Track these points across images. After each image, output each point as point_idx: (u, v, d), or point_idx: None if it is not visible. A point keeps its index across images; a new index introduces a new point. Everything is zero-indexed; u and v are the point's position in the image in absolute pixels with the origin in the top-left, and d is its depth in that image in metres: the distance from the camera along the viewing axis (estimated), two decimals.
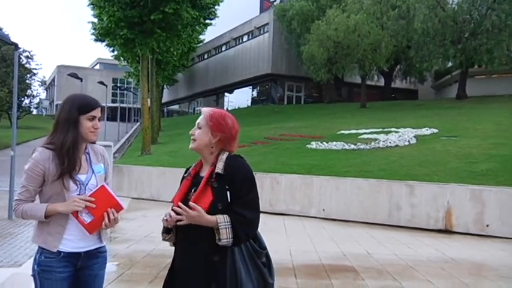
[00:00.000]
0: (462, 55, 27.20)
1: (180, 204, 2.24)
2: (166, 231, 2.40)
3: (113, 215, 2.45)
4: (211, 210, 2.22)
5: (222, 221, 2.20)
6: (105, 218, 2.44)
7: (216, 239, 2.21)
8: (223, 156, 2.37)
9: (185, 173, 2.51)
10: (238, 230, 2.20)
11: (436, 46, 27.45)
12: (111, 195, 2.47)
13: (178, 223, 2.25)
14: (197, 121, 2.42)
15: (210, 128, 2.37)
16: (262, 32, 42.50)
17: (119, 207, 2.49)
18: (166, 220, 2.30)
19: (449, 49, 27.12)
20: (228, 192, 2.28)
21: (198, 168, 2.46)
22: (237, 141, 2.46)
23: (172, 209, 2.29)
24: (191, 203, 2.22)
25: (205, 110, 2.43)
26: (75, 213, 2.40)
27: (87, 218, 2.42)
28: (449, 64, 31.99)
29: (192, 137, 2.41)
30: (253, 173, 2.39)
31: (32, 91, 54.93)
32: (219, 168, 2.32)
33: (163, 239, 2.44)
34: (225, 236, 2.18)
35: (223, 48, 49.03)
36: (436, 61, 28.94)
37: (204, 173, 2.38)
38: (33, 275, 2.49)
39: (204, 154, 2.42)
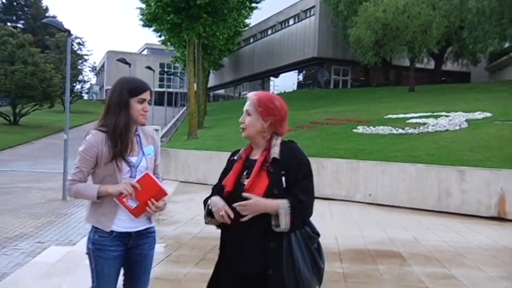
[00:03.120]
0: None
1: (238, 204, 2.19)
2: (209, 214, 2.37)
3: (154, 204, 2.50)
4: (266, 195, 2.21)
5: (283, 206, 2.18)
6: (149, 206, 2.51)
7: (272, 224, 2.20)
8: (277, 141, 2.35)
9: (232, 156, 2.49)
10: (296, 216, 2.19)
11: (492, 26, 26.15)
12: (155, 181, 2.53)
13: (242, 220, 2.20)
14: (245, 108, 2.39)
15: (260, 113, 2.34)
16: (308, 15, 41.94)
17: (162, 193, 2.55)
18: (223, 216, 2.25)
19: (507, 28, 25.74)
20: (284, 178, 2.26)
21: (248, 151, 2.44)
22: (287, 122, 2.44)
23: (233, 206, 2.22)
24: (245, 194, 2.19)
25: (252, 96, 2.40)
26: (121, 199, 2.48)
27: (132, 204, 2.50)
28: (506, 44, 30.51)
29: (241, 125, 2.38)
30: None
31: (83, 76, 56.92)
32: (275, 153, 2.30)
33: (207, 223, 2.43)
34: (284, 223, 2.18)
35: (269, 32, 48.76)
36: (491, 42, 27.57)
37: (256, 156, 2.36)
38: (88, 253, 2.60)
39: (256, 140, 2.40)
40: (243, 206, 2.19)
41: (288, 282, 2.22)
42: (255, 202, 2.19)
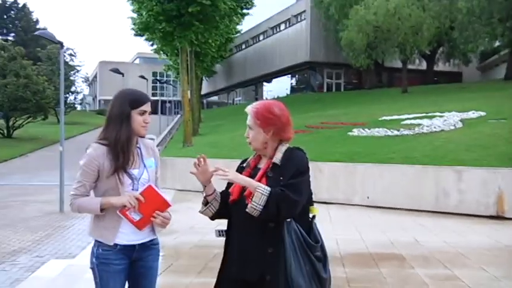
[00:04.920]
0: (511, 33, 26.01)
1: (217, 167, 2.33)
2: (204, 203, 2.44)
3: (160, 215, 2.50)
4: None
5: (262, 187, 2.19)
6: (156, 219, 2.50)
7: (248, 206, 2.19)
8: (283, 148, 2.37)
9: (242, 163, 2.52)
10: (271, 201, 2.16)
11: (482, 25, 26.35)
12: (158, 193, 2.51)
13: (221, 178, 2.28)
14: (247, 122, 2.41)
15: (260, 125, 2.35)
16: (299, 19, 42.10)
17: (166, 205, 2.54)
18: (198, 165, 2.40)
19: (496, 27, 25.95)
20: (282, 183, 2.25)
21: (257, 160, 2.46)
22: (291, 126, 2.42)
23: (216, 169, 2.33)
24: (216, 167, 2.31)
25: (249, 109, 2.40)
26: (124, 213, 2.46)
27: (136, 216, 2.48)
28: (497, 43, 30.72)
29: (247, 140, 2.42)
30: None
31: (75, 87, 56.75)
32: (277, 159, 2.32)
33: (200, 211, 2.46)
34: (257, 200, 2.16)
35: (261, 37, 48.89)
36: (482, 41, 27.82)
37: (262, 165, 2.39)
38: (92, 268, 2.56)
39: (263, 151, 2.41)
40: (224, 170, 2.26)
41: None
42: (236, 173, 2.27)
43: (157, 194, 2.50)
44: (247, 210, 2.19)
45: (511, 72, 28.47)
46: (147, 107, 2.54)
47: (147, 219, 2.50)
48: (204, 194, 2.43)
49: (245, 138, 2.43)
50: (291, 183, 2.24)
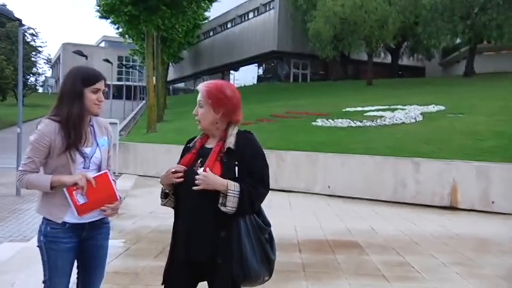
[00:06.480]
0: (471, 31, 26.82)
1: (200, 171, 2.24)
2: (164, 196, 2.42)
3: (110, 208, 2.50)
4: None
5: (232, 188, 2.21)
6: (105, 211, 2.49)
7: (219, 202, 2.21)
8: (234, 131, 2.35)
9: (188, 143, 2.49)
10: (244, 201, 2.21)
11: (444, 22, 27.07)
12: (111, 183, 2.48)
13: (194, 188, 2.22)
14: (197, 99, 2.38)
15: (211, 105, 2.33)
16: (267, 8, 42.07)
17: (114, 198, 2.49)
18: (175, 173, 2.30)
19: (457, 25, 26.72)
20: (236, 168, 2.27)
21: (204, 140, 2.43)
22: (241, 109, 2.42)
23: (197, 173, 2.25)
24: (202, 172, 2.23)
25: (201, 88, 2.38)
26: (71, 191, 2.41)
27: (80, 199, 2.42)
28: (458, 40, 31.61)
29: (196, 118, 2.39)
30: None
31: (37, 69, 55.17)
32: (231, 143, 2.30)
33: (162, 204, 2.45)
34: (230, 204, 2.19)
35: (229, 25, 48.64)
36: (444, 37, 28.58)
37: (211, 145, 2.37)
38: (39, 246, 2.51)
39: (211, 131, 2.40)
40: (205, 175, 2.21)
41: (236, 272, 2.23)
42: (213, 175, 2.22)
43: (109, 184, 2.47)
44: (222, 209, 2.21)
45: (470, 69, 29.34)
46: (100, 85, 2.50)
47: (90, 206, 2.45)
48: (163, 188, 2.41)
49: (193, 116, 2.40)
50: (261, 176, 2.30)
